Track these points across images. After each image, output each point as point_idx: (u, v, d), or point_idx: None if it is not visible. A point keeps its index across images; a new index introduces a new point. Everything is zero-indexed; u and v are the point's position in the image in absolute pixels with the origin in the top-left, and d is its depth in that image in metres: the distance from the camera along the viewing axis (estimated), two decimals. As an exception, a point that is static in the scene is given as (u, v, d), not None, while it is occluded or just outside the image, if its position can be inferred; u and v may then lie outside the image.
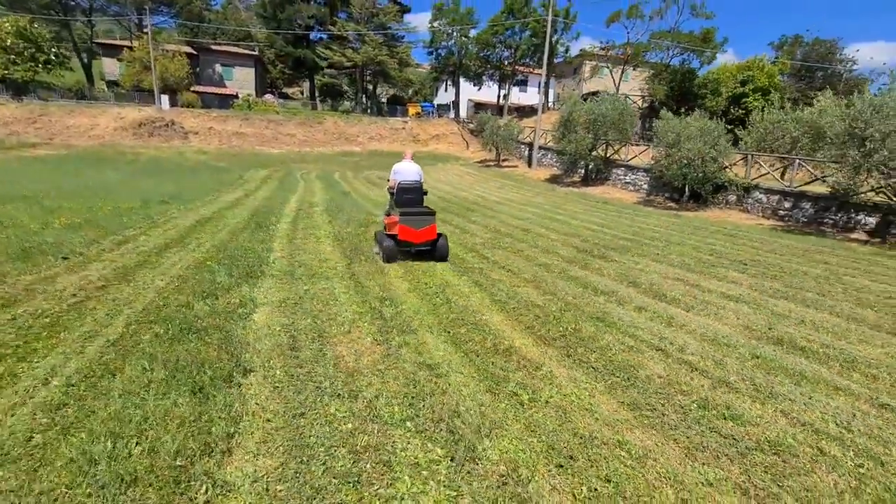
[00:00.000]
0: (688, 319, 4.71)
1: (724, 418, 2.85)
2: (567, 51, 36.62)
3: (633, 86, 36.71)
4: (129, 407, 2.58)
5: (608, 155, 21.99)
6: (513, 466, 2.29)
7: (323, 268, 5.97)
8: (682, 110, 26.39)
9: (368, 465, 2.25)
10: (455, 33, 39.01)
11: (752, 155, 16.03)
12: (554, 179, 24.67)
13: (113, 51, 39.45)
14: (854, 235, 12.28)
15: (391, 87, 50.78)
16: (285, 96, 53.44)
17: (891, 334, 4.52)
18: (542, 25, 35.53)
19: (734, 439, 2.62)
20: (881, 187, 11.24)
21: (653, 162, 18.79)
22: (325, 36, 47.02)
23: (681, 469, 2.36)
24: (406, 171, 6.80)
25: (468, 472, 2.24)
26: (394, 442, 2.45)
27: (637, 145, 21.25)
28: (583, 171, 23.41)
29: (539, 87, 53.26)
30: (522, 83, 48.68)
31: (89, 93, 35.82)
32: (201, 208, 10.63)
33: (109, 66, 39.75)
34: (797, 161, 14.52)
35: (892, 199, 11.33)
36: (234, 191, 14.70)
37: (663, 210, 16.54)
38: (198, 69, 41.09)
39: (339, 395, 2.87)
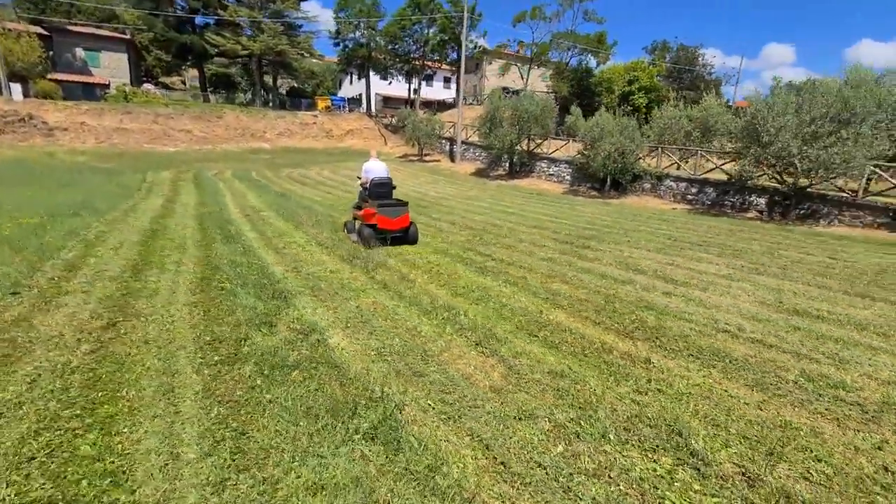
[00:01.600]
0: (713, 300, 5.20)
1: (834, 387, 3.23)
2: (476, 47, 37.57)
3: (537, 83, 39.08)
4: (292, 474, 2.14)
5: (531, 149, 23.19)
6: (741, 470, 2.36)
7: (344, 279, 5.47)
8: (582, 105, 28.81)
9: (630, 491, 2.16)
10: (362, 25, 37.83)
11: (662, 147, 18.09)
12: (480, 173, 25.36)
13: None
14: (749, 214, 14.56)
15: (291, 78, 47.66)
16: (164, 86, 47.31)
17: (862, 297, 5.48)
18: (450, 21, 36.12)
19: (860, 406, 2.99)
20: (773, 174, 13.42)
21: (577, 155, 20.28)
22: (212, 21, 42.45)
23: (861, 443, 2.61)
24: (376, 168, 7.78)
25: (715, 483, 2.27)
26: (632, 459, 2.37)
27: (557, 139, 22.70)
28: (507, 164, 24.40)
29: (444, 82, 54.35)
30: (428, 78, 49.02)
31: None
32: (128, 219, 9.06)
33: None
34: (699, 152, 16.75)
35: (778, 184, 13.64)
36: (150, 197, 12.74)
37: (590, 199, 17.95)
38: (52, 53, 34.45)
39: (517, 418, 2.69)
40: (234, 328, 3.78)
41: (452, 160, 28.80)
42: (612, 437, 2.54)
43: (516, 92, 35.69)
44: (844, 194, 12.60)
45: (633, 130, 17.25)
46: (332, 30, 38.56)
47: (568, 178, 21.14)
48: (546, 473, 2.24)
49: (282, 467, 2.17)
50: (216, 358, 3.27)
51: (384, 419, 2.59)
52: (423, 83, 45.82)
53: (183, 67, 50.11)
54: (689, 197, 16.43)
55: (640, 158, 17.88)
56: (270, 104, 42.33)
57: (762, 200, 14.45)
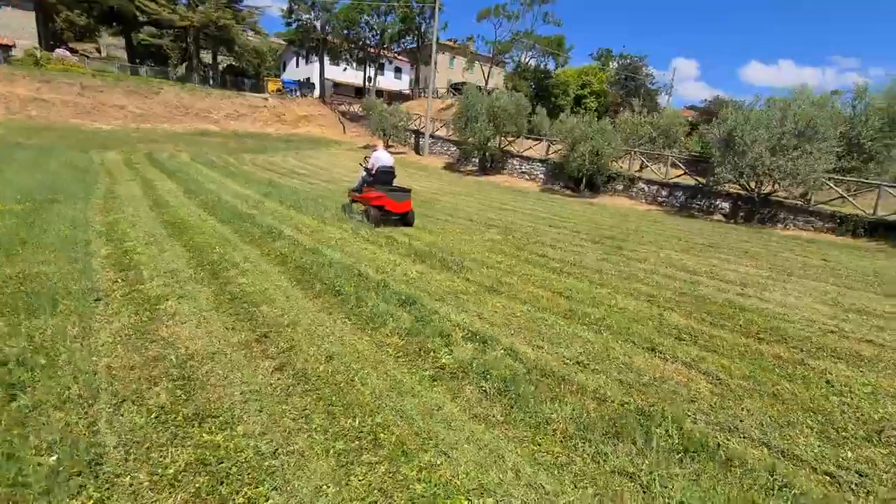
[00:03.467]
0: (789, 301, 5.62)
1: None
2: (437, 39, 37.21)
3: (496, 81, 39.61)
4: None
5: (503, 146, 23.54)
6: None
7: (441, 281, 5.23)
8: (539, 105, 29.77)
9: None
10: (317, 5, 35.90)
11: (635, 151, 19.21)
12: (450, 168, 25.31)
13: None
14: (715, 217, 15.96)
15: (233, 56, 44.08)
16: (77, 54, 41.64)
17: (891, 296, 6.25)
18: (411, 10, 35.45)
19: None
20: (742, 181, 14.75)
21: (552, 154, 20.95)
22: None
23: None
24: (384, 158, 8.40)
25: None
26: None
27: (529, 137, 23.24)
28: (477, 160, 24.58)
29: (396, 72, 53.28)
30: (380, 67, 47.83)
31: None
32: (123, 207, 7.96)
33: None
34: (669, 158, 18.02)
35: (744, 190, 15.07)
36: (121, 182, 11.28)
37: (569, 198, 18.64)
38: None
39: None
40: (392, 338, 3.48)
41: (418, 153, 28.43)
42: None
43: (479, 88, 35.93)
44: (798, 202, 14.24)
45: (609, 134, 18.14)
46: (284, 7, 36.10)
47: (541, 176, 21.76)
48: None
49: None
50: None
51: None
52: (364, 72, 44.50)
53: (97, 34, 44.41)
54: (660, 199, 17.64)
55: (614, 161, 18.86)
56: (210, 82, 38.87)
57: (726, 205, 15.89)
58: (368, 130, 30.64)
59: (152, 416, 2.36)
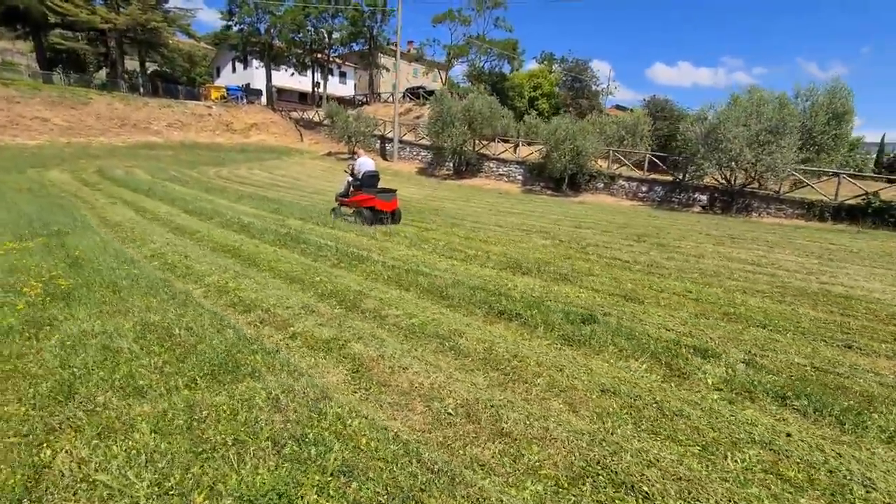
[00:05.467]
0: (867, 285, 6.06)
1: None
2: (388, 43, 36.65)
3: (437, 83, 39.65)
4: None
5: (478, 149, 23.60)
6: None
7: (605, 301, 5.05)
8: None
9: None
10: (259, 9, 33.94)
11: (614, 151, 20.04)
12: (423, 172, 24.96)
13: None
14: (695, 209, 17.07)
15: (165, 61, 40.52)
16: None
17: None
18: (362, 14, 34.62)
19: None
20: (721, 174, 15.87)
21: (531, 155, 21.32)
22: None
23: None
24: (367, 164, 9.07)
25: None
26: None
27: (503, 140, 23.49)
28: (451, 164, 24.46)
29: (340, 76, 51.76)
30: (329, 71, 46.24)
31: None
32: (148, 235, 6.93)
33: None
34: (647, 155, 19.00)
35: (719, 183, 16.24)
36: (104, 206, 9.89)
37: (554, 197, 19.10)
38: None
39: None
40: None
41: (385, 158, 27.77)
42: None
43: (431, 92, 35.80)
44: (769, 192, 15.58)
45: (591, 133, 18.79)
46: (225, 11, 33.76)
47: (520, 177, 22.07)
48: None
49: None
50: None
51: None
52: (319, 76, 42.86)
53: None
54: (641, 195, 18.56)
55: (594, 160, 19.56)
56: (141, 90, 35.36)
57: (704, 197, 17.04)
58: (328, 137, 29.45)
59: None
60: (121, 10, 32.72)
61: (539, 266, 6.12)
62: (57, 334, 3.24)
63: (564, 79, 41.94)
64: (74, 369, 2.77)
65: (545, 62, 48.94)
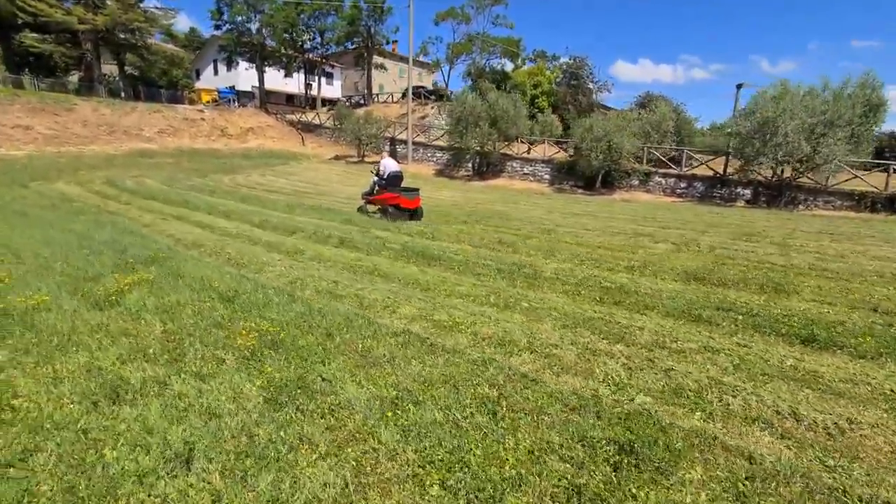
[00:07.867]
0: None
1: None
2: (388, 42, 35.55)
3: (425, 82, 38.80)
4: None
5: (500, 149, 22.86)
6: None
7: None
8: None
9: None
10: (251, 6, 32.25)
11: (647, 146, 19.64)
12: (442, 174, 24.06)
13: None
14: (739, 204, 16.80)
15: (145, 64, 38.07)
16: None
17: None
18: (360, 12, 33.44)
19: None
20: (772, 167, 15.63)
21: (559, 153, 20.74)
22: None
23: None
24: (391, 165, 9.62)
25: None
26: None
27: (527, 140, 22.83)
28: (471, 165, 23.65)
29: (327, 78, 50.18)
30: (321, 73, 44.68)
31: None
32: (254, 260, 5.87)
33: None
34: (684, 151, 18.68)
35: (773, 176, 15.96)
36: (157, 223, 8.60)
37: (590, 195, 18.55)
38: None
39: None
40: None
41: (398, 161, 26.70)
42: None
43: (432, 92, 34.97)
44: (818, 184, 15.42)
45: (626, 131, 18.32)
46: (214, 9, 31.91)
47: (546, 177, 21.45)
48: None
49: None
50: None
51: None
52: (308, 78, 41.20)
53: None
54: (679, 191, 18.21)
55: (628, 157, 19.10)
56: (122, 94, 33.04)
57: (748, 192, 16.80)
58: (332, 140, 28.21)
59: None
60: (99, 10, 30.50)
61: (736, 280, 5.37)
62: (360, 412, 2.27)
63: (563, 76, 41.74)
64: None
65: (538, 59, 48.87)
